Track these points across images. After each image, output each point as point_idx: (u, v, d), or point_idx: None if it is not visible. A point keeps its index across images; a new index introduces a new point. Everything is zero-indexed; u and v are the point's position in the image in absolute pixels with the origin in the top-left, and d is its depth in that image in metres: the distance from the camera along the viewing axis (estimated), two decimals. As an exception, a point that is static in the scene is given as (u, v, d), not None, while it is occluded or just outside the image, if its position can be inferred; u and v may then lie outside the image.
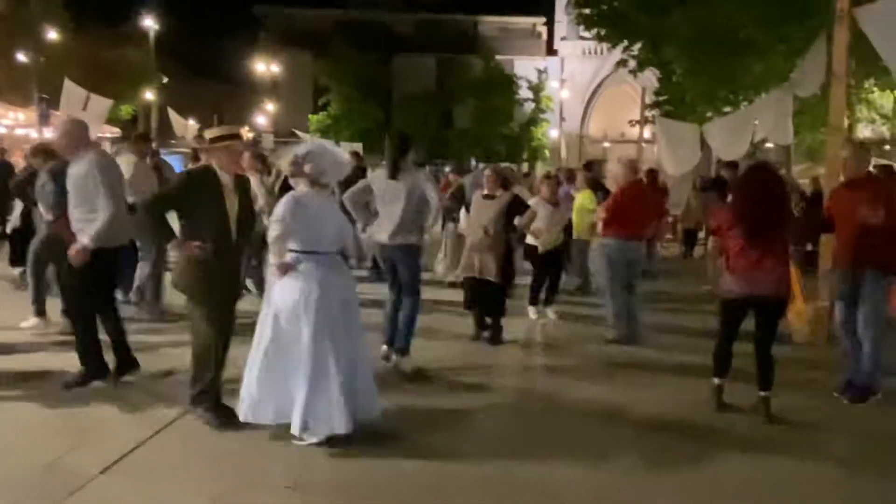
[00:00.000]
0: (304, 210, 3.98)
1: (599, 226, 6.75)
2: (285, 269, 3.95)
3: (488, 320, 6.50)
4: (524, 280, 7.80)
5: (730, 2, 10.34)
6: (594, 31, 14.79)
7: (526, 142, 35.77)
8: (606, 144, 38.49)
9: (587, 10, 14.38)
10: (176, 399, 4.43)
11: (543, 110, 36.02)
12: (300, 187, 4.14)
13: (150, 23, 27.13)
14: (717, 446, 4.19)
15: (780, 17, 9.70)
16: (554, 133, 36.42)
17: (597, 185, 8.76)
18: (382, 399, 4.32)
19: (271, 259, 4.16)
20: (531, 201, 7.16)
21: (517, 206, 6.46)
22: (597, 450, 4.08)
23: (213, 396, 4.13)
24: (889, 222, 4.73)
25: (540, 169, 32.63)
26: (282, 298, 3.94)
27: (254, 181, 5.77)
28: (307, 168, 4.04)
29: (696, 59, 12.23)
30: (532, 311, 7.45)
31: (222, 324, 4.11)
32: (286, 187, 5.16)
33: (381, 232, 5.47)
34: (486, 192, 6.64)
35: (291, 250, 4.00)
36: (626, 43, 14.26)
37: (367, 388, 4.12)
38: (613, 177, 8.03)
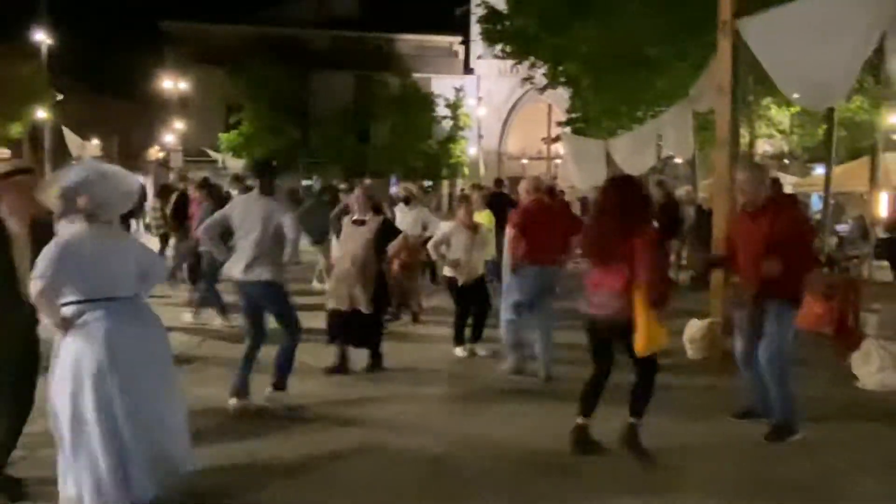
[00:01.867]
0: (75, 257, 3.28)
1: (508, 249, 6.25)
2: (65, 325, 3.30)
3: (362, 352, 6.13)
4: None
5: (626, 18, 10.36)
6: (498, 48, 14.77)
7: (445, 159, 35.70)
8: (524, 161, 38.97)
9: (490, 27, 14.36)
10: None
11: (462, 128, 36.11)
12: (72, 226, 3.36)
13: (41, 37, 25.56)
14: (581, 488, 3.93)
15: (675, 32, 9.77)
16: (473, 150, 36.55)
17: (495, 204, 8.56)
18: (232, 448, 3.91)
19: (43, 319, 3.41)
20: (445, 226, 6.77)
21: (388, 231, 6.09)
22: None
23: None
24: (794, 251, 4.43)
25: (462, 185, 32.61)
26: (62, 364, 3.32)
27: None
28: (81, 201, 3.30)
29: (598, 76, 12.29)
30: (459, 351, 6.77)
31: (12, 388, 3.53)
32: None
33: (235, 266, 4.98)
34: (355, 216, 6.18)
35: (68, 303, 3.33)
36: (531, 60, 14.29)
37: (177, 449, 3.55)
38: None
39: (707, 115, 10.09)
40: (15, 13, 27.54)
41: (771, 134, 19.24)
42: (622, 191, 4.34)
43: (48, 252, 3.28)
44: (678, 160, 21.54)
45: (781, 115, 18.19)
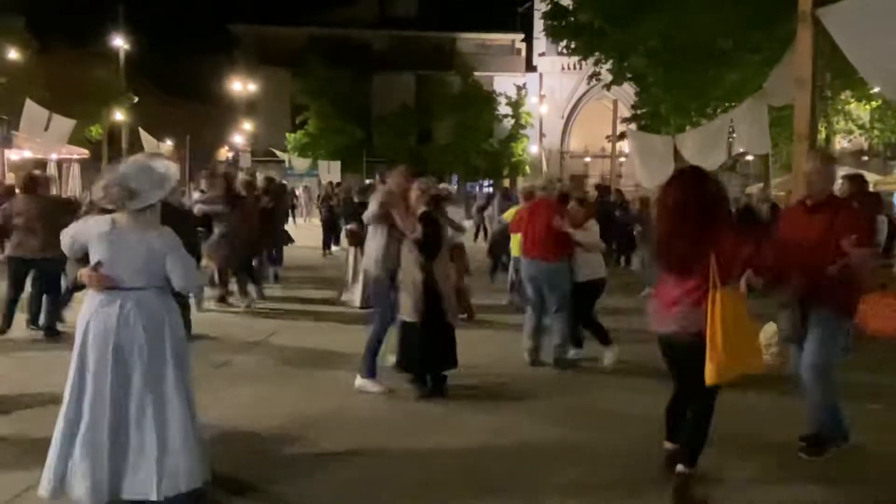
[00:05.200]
0: (84, 239, 3.47)
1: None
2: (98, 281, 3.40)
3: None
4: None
5: (694, 11, 10.02)
6: (563, 44, 14.56)
7: (506, 157, 35.52)
8: (587, 159, 38.39)
9: (554, 23, 14.15)
10: None
11: (523, 126, 35.84)
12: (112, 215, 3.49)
13: (119, 42, 26.70)
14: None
15: (745, 25, 9.39)
16: (534, 148, 36.25)
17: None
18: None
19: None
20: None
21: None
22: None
23: None
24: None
25: (521, 184, 32.36)
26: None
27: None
28: (114, 192, 3.41)
29: (666, 70, 11.95)
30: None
31: None
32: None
33: None
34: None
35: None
36: (597, 56, 14.03)
37: (178, 459, 3.41)
38: None
39: (780, 111, 9.69)
40: (93, 20, 28.89)
41: (850, 129, 18.39)
42: (693, 186, 3.67)
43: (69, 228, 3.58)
44: (749, 157, 20.87)
45: (861, 110, 17.39)
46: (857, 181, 7.64)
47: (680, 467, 3.61)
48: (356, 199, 10.10)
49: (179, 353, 3.50)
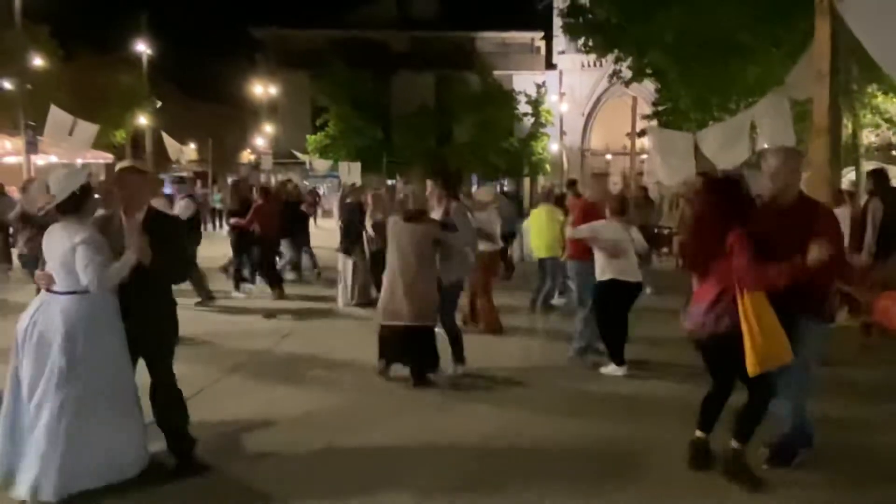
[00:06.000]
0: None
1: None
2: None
3: None
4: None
5: (712, 3, 9.84)
6: (581, 41, 14.41)
7: (526, 156, 35.35)
8: (608, 157, 38.07)
9: (572, 20, 14.02)
10: None
11: (543, 124, 35.65)
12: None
13: (142, 48, 27.06)
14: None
15: (766, 17, 9.20)
16: (555, 147, 36.03)
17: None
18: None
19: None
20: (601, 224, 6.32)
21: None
22: None
23: None
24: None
25: (542, 182, 32.19)
26: None
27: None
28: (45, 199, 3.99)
29: (686, 65, 11.77)
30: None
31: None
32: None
33: None
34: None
35: None
36: (615, 53, 13.87)
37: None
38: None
39: (803, 105, 9.47)
40: (118, 27, 29.35)
41: (877, 123, 17.95)
42: (719, 192, 4.00)
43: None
44: (774, 153, 20.44)
45: (889, 104, 16.98)
46: (879, 176, 7.45)
47: (734, 443, 3.94)
48: (348, 200, 10.32)
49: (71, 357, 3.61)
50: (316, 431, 4.72)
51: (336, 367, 6.41)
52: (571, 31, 14.47)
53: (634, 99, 25.29)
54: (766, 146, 12.31)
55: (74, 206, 3.69)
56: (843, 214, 7.83)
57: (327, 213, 28.07)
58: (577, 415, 5.11)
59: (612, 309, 6.20)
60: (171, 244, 3.89)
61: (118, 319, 3.76)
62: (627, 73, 15.12)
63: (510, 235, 12.03)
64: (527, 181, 37.22)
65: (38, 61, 21.24)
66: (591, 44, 13.94)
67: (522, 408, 5.24)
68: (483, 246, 7.26)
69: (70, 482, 3.53)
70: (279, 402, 5.37)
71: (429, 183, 6.34)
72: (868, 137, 20.34)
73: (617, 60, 14.15)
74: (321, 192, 29.11)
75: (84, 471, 3.58)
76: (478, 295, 7.96)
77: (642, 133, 20.75)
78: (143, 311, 3.83)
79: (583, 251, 6.42)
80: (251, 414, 5.04)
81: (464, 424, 4.88)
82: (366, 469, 4.15)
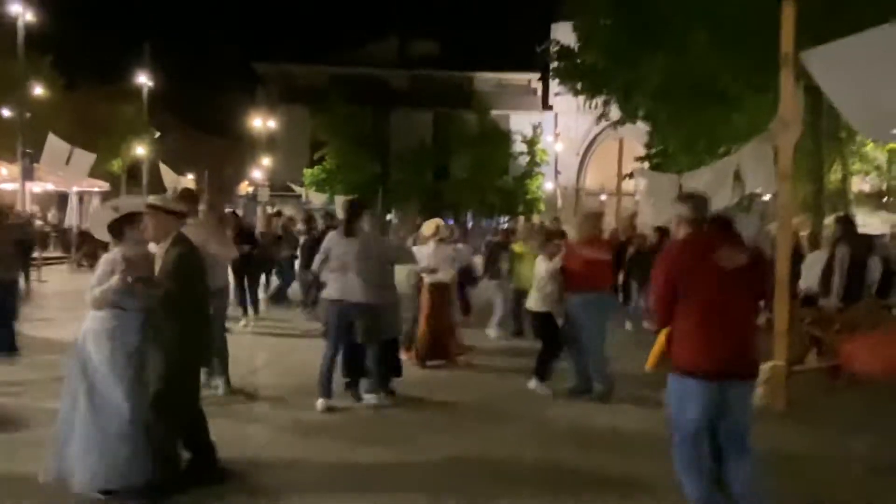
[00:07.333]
0: None
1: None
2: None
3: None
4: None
5: (696, 51, 10.06)
6: (569, 85, 14.67)
7: (521, 194, 35.65)
8: (603, 197, 38.39)
9: (563, 64, 14.30)
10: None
11: (538, 163, 36.04)
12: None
13: (143, 79, 27.42)
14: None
15: (749, 66, 9.40)
16: (549, 185, 36.37)
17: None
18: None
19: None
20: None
21: None
22: None
23: None
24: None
25: (538, 219, 32.38)
26: None
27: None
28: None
29: (673, 109, 11.98)
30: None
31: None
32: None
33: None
34: None
35: None
36: (605, 96, 14.12)
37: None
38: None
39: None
40: (120, 58, 29.81)
41: (867, 171, 18.21)
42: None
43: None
44: (766, 197, 20.73)
45: (877, 152, 17.22)
46: (846, 223, 7.52)
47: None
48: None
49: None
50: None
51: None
52: (560, 76, 14.76)
53: (621, 141, 25.64)
54: (752, 190, 12.48)
55: (115, 231, 4.13)
56: (818, 258, 7.93)
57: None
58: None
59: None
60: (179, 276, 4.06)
61: (133, 336, 3.98)
62: (616, 115, 15.34)
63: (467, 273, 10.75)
64: (521, 219, 37.44)
65: (38, 90, 21.52)
66: (579, 87, 14.21)
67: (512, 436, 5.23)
68: (430, 277, 7.78)
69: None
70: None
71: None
72: (858, 185, 20.59)
73: (606, 103, 14.39)
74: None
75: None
76: (432, 325, 7.82)
77: (630, 175, 20.98)
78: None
79: (579, 283, 6.46)
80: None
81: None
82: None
